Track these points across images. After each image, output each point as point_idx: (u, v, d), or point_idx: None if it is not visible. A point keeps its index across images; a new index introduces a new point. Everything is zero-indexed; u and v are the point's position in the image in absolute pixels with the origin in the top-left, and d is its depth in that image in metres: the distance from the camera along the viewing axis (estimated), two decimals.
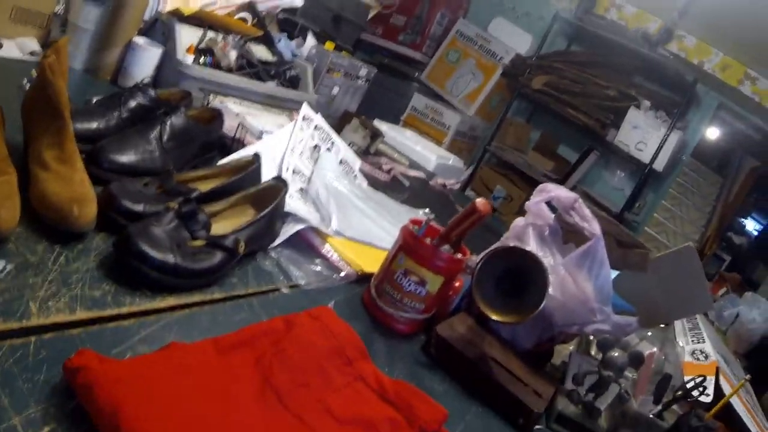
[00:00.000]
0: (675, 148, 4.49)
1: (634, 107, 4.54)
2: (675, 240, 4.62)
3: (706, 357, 1.99)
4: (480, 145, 5.55)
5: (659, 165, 4.48)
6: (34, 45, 2.00)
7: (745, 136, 5.07)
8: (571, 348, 1.73)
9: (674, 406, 1.48)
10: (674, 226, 4.68)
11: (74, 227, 1.04)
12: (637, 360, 1.49)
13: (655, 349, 1.76)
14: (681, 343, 2.12)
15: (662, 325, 2.10)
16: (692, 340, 2.15)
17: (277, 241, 1.38)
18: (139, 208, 1.14)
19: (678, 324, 2.28)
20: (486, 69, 5.34)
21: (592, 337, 1.75)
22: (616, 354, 1.44)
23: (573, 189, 4.65)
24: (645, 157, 4.48)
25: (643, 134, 4.47)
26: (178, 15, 2.21)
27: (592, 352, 1.72)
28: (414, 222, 1.41)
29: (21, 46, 1.97)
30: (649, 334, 1.86)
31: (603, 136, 4.70)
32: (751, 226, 5.72)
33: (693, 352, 2.04)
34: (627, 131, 4.54)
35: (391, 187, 2.41)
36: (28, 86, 1.62)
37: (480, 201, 1.29)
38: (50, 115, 1.12)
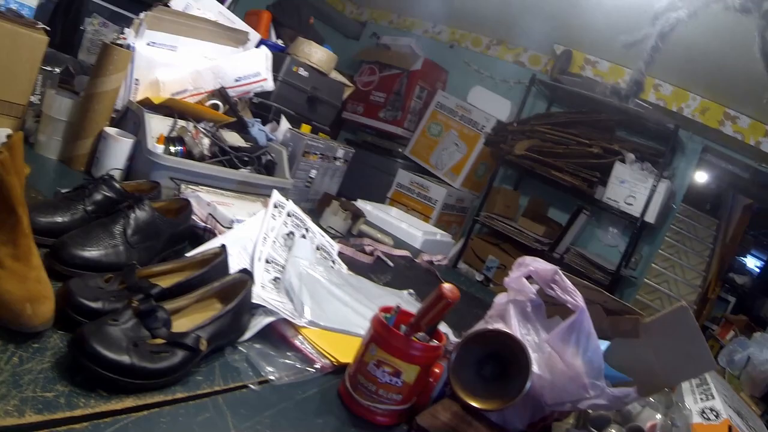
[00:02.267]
0: (665, 197, 4.49)
1: (619, 162, 4.56)
2: (677, 288, 4.59)
3: (717, 415, 1.91)
4: (469, 217, 5.56)
5: (651, 217, 4.48)
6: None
7: (734, 175, 5.11)
8: (570, 422, 1.66)
9: None
10: (674, 275, 4.65)
11: (27, 326, 1.00)
12: None
13: (658, 417, 1.69)
14: (689, 404, 2.05)
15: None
16: (701, 398, 2.07)
17: (247, 335, 1.32)
18: (97, 305, 1.10)
19: (684, 382, 2.21)
20: (469, 139, 5.41)
21: (590, 412, 1.68)
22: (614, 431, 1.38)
23: (567, 251, 4.65)
24: (636, 210, 4.48)
25: (631, 188, 4.49)
26: (148, 104, 2.20)
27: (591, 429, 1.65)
28: (384, 310, 1.36)
29: None
30: (652, 399, 1.79)
31: (591, 194, 4.71)
32: (752, 263, 5.73)
33: (702, 412, 1.96)
34: (615, 187, 4.55)
35: (375, 269, 2.37)
36: None
37: (447, 287, 1.24)
38: (4, 211, 1.09)
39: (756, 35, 2.31)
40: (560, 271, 1.47)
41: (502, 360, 1.34)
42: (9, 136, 1.12)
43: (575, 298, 1.41)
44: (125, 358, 0.98)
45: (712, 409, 1.95)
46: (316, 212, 2.45)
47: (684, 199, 4.94)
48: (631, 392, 1.41)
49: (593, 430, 1.46)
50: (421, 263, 2.84)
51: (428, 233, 3.39)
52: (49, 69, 2.36)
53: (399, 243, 2.96)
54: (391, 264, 2.53)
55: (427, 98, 5.75)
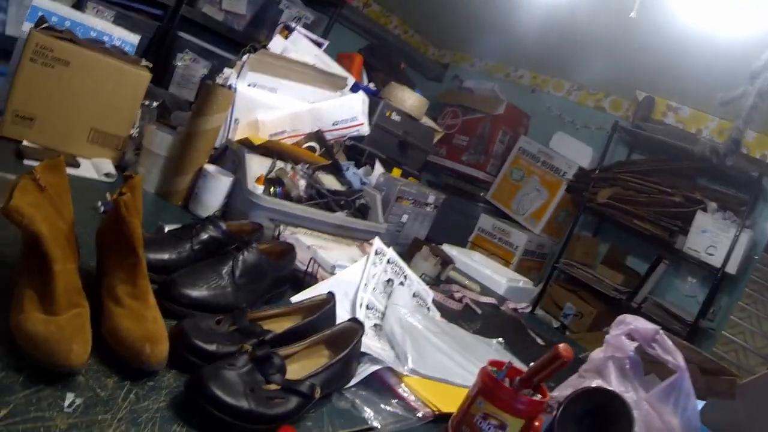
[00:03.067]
0: (746, 247, 4.38)
1: (700, 211, 4.45)
2: (753, 340, 4.46)
3: None
4: (548, 263, 5.51)
5: (731, 268, 4.36)
6: (109, 166, 2.09)
7: None
8: None
9: None
10: (751, 326, 4.52)
11: (146, 366, 1.03)
12: None
13: None
14: None
15: None
16: None
17: (353, 382, 1.33)
18: (212, 347, 1.12)
19: None
20: (550, 185, 5.36)
21: None
22: None
23: (644, 300, 4.56)
24: (716, 261, 4.36)
25: (712, 238, 4.37)
26: (247, 144, 2.25)
27: None
28: (493, 363, 1.36)
29: (97, 167, 2.07)
30: None
31: (671, 243, 4.62)
32: None
33: None
34: (696, 236, 4.44)
35: (464, 316, 2.36)
36: (102, 209, 1.66)
37: (563, 347, 1.24)
38: (124, 251, 1.13)
39: None
40: (662, 331, 1.46)
41: (602, 416, 1.33)
42: (130, 176, 1.15)
43: (676, 358, 1.40)
44: (243, 404, 1.00)
45: None
46: (406, 256, 2.45)
47: (765, 248, 4.81)
48: None
49: None
50: (506, 311, 2.82)
51: (512, 280, 3.37)
52: (147, 103, 2.43)
53: (484, 289, 2.95)
54: (479, 311, 2.52)
55: (510, 143, 5.74)
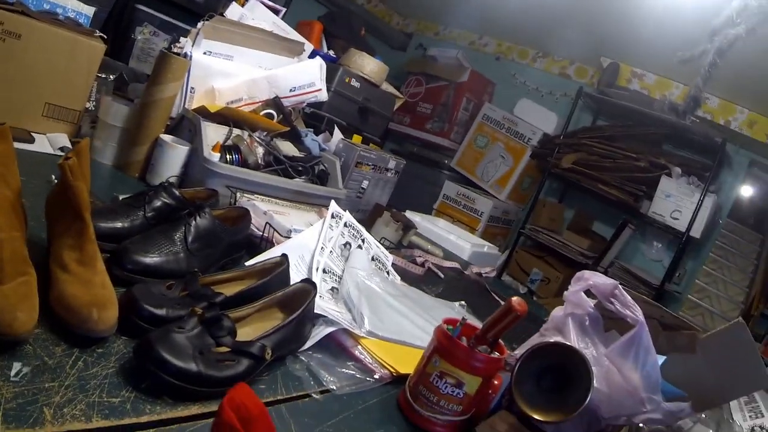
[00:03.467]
0: (710, 212, 4.44)
1: (665, 176, 4.51)
2: (719, 304, 4.51)
3: None
4: (514, 229, 5.54)
5: (696, 231, 4.43)
6: (64, 140, 2.06)
7: None
8: None
9: None
10: (717, 290, 4.57)
11: (94, 331, 1.01)
12: None
13: None
14: (738, 421, 2.02)
15: None
16: (749, 416, 2.04)
17: (308, 345, 1.33)
18: (161, 312, 1.11)
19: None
20: (515, 152, 5.40)
21: (641, 425, 1.66)
22: None
23: (611, 265, 4.62)
24: (681, 225, 4.44)
25: (677, 202, 4.43)
26: (203, 112, 2.22)
27: None
28: (448, 321, 1.35)
29: (52, 141, 2.03)
30: (703, 416, 1.77)
31: (637, 208, 4.67)
32: None
33: (752, 429, 1.94)
34: (661, 201, 4.50)
35: (426, 280, 2.37)
36: (56, 181, 1.63)
37: (516, 300, 1.24)
38: (71, 217, 1.11)
39: None
40: (620, 286, 1.46)
41: (561, 373, 1.33)
42: (76, 141, 1.13)
43: (635, 312, 1.40)
44: (192, 366, 0.99)
45: (762, 427, 1.93)
46: (367, 223, 2.44)
47: (729, 214, 4.87)
48: (686, 407, 1.40)
49: None
50: (470, 275, 2.83)
51: (476, 245, 3.39)
52: (104, 76, 2.39)
53: (448, 255, 2.95)
54: (441, 275, 2.52)
55: (474, 110, 5.75)
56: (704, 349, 1.61)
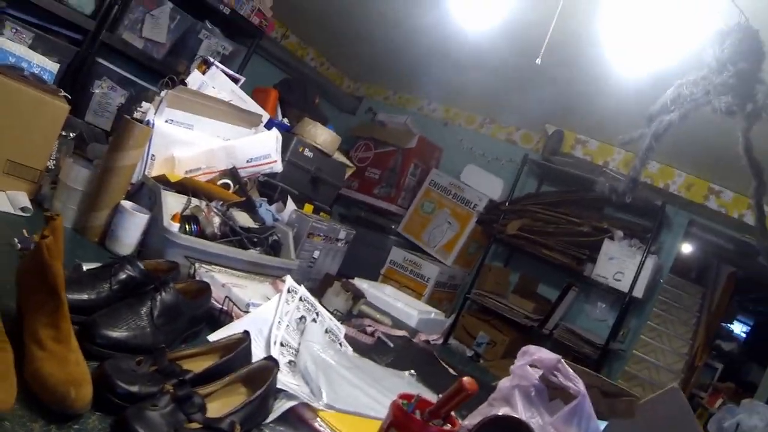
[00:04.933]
0: (652, 271, 4.57)
1: (608, 239, 4.68)
2: (664, 357, 4.62)
3: None
4: (460, 293, 5.61)
5: (638, 291, 4.54)
6: (25, 200, 2.06)
7: (719, 246, 5.19)
8: None
9: None
10: (661, 344, 4.69)
11: (71, 409, 1.04)
12: None
13: None
14: None
15: None
16: None
17: (271, 418, 1.38)
18: (134, 389, 1.14)
19: None
20: (461, 217, 5.49)
21: None
22: None
23: (556, 326, 4.70)
24: (624, 286, 4.55)
25: (619, 264, 4.57)
26: (164, 181, 2.26)
27: None
28: (403, 396, 1.42)
29: (12, 200, 2.03)
30: None
31: (580, 271, 4.80)
32: (738, 329, 5.74)
33: None
34: (603, 263, 4.64)
35: (376, 350, 2.42)
36: (19, 246, 1.65)
37: (467, 380, 1.30)
38: (45, 293, 1.13)
39: (740, 136, 2.42)
40: (563, 360, 1.55)
41: None
42: (51, 218, 1.17)
43: (577, 384, 1.50)
44: None
45: None
46: (317, 292, 2.49)
47: (671, 269, 5.03)
48: None
49: None
50: (418, 342, 2.89)
51: (423, 312, 3.44)
52: (64, 134, 2.41)
53: (396, 322, 3.00)
54: (391, 344, 2.57)
55: (421, 175, 5.85)
56: (643, 413, 1.71)
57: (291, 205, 2.95)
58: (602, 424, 1.58)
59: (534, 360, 1.60)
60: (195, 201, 2.29)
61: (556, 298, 5.07)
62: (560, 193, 5.29)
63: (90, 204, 2.12)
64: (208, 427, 1.12)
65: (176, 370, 1.24)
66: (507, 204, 5.26)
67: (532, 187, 5.65)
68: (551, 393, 1.60)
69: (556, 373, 1.55)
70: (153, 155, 2.39)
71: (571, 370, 1.54)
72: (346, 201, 6.00)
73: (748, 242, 4.77)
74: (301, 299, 1.96)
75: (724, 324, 5.52)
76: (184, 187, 2.31)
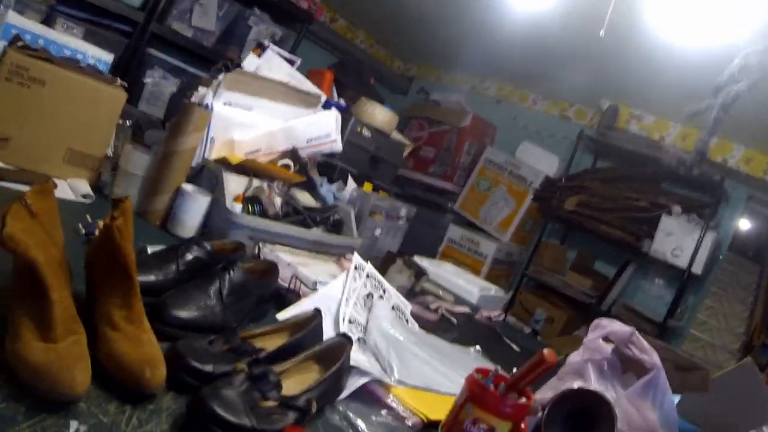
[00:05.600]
0: (711, 247, 4.48)
1: (665, 215, 4.57)
2: (720, 337, 4.52)
3: None
4: (517, 270, 5.59)
5: (697, 268, 4.47)
6: (86, 187, 2.08)
7: None
8: None
9: None
10: (717, 323, 4.58)
11: (146, 389, 1.04)
12: None
13: None
14: None
15: None
16: None
17: (343, 395, 1.37)
18: (208, 368, 1.14)
19: None
20: (517, 195, 5.44)
21: None
22: None
23: (613, 303, 4.63)
24: (682, 262, 4.47)
25: (677, 240, 4.48)
26: (224, 163, 2.26)
27: None
28: (479, 371, 1.40)
29: (74, 188, 2.05)
30: None
31: (638, 247, 4.71)
32: None
33: None
34: (661, 239, 4.55)
35: (440, 326, 2.40)
36: (83, 231, 1.65)
37: (547, 352, 1.28)
38: (118, 276, 1.13)
39: None
40: (637, 332, 1.51)
41: (586, 416, 1.37)
42: (120, 201, 1.16)
43: (652, 357, 1.47)
44: (246, 421, 1.03)
45: None
46: (379, 270, 2.48)
47: (728, 247, 4.93)
48: None
49: None
50: (480, 319, 2.87)
51: (484, 289, 3.42)
52: (121, 122, 2.42)
53: (457, 299, 2.99)
54: (454, 321, 2.56)
55: (476, 154, 5.80)
56: (716, 387, 1.67)
57: (351, 184, 2.94)
58: (675, 398, 1.54)
59: (607, 333, 1.58)
60: (256, 182, 2.29)
61: (613, 274, 5.00)
62: (617, 169, 5.20)
63: (151, 188, 2.13)
64: (284, 405, 1.12)
65: (249, 349, 1.24)
66: (563, 180, 5.18)
67: (587, 163, 5.57)
68: (624, 366, 1.57)
69: (630, 345, 1.52)
70: (212, 138, 2.39)
71: (646, 343, 1.51)
72: (401, 180, 5.97)
73: None
74: (368, 276, 1.96)
75: None
76: (244, 168, 2.31)
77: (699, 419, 1.68)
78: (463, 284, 3.30)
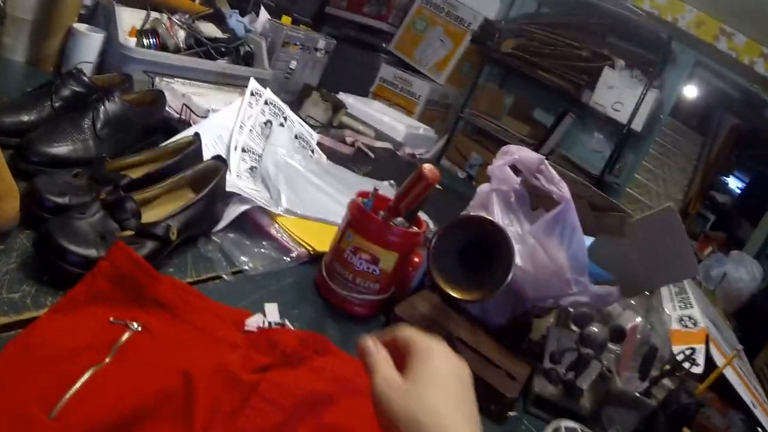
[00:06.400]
0: (653, 107, 4.45)
1: (608, 67, 4.49)
2: (658, 200, 4.58)
3: (695, 323, 1.93)
4: (453, 114, 5.49)
5: (637, 125, 4.45)
6: None
7: (724, 93, 5.00)
8: (551, 319, 1.64)
9: (663, 381, 1.40)
10: (657, 187, 4.63)
11: None
12: (617, 334, 1.37)
13: (638, 320, 1.66)
14: (668, 310, 2.06)
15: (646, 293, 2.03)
16: (679, 306, 2.09)
17: (221, 225, 1.30)
18: (63, 200, 1.06)
19: (664, 289, 2.20)
20: (454, 36, 5.29)
21: (571, 310, 1.66)
22: (595, 329, 1.32)
23: (551, 153, 4.64)
24: (622, 117, 4.44)
25: (619, 94, 4.43)
26: None
27: (572, 327, 1.63)
28: (362, 194, 1.33)
29: None
30: (633, 302, 1.78)
31: (578, 97, 4.66)
32: (734, 184, 5.66)
33: (681, 319, 1.98)
34: (602, 92, 4.50)
35: (355, 160, 2.34)
36: None
37: (427, 167, 1.20)
38: None
39: None
40: (546, 161, 1.43)
41: (483, 250, 1.31)
42: None
43: (561, 188, 1.37)
44: (92, 252, 0.95)
45: (690, 317, 1.98)
46: (296, 104, 2.40)
47: (672, 113, 4.90)
48: (614, 291, 1.38)
49: (575, 327, 1.43)
50: (402, 156, 2.81)
51: (411, 127, 3.36)
52: None
53: (381, 136, 2.92)
54: (372, 155, 2.50)
55: None
56: (634, 232, 1.58)
57: (264, 14, 2.80)
58: (588, 240, 1.47)
59: (514, 160, 1.49)
60: (155, 14, 2.15)
61: (551, 123, 4.98)
62: (560, 15, 5.07)
63: (41, 32, 1.97)
64: (141, 233, 1.04)
65: (113, 178, 1.15)
66: (502, 23, 5.07)
67: (530, 9, 5.41)
68: (534, 202, 1.49)
69: (538, 175, 1.43)
70: None
71: (555, 173, 1.41)
72: (335, 21, 5.81)
73: (756, 92, 4.61)
74: (266, 103, 1.85)
75: (720, 176, 5.40)
76: (142, 1, 2.17)
77: (613, 266, 1.61)
78: (389, 121, 3.23)
